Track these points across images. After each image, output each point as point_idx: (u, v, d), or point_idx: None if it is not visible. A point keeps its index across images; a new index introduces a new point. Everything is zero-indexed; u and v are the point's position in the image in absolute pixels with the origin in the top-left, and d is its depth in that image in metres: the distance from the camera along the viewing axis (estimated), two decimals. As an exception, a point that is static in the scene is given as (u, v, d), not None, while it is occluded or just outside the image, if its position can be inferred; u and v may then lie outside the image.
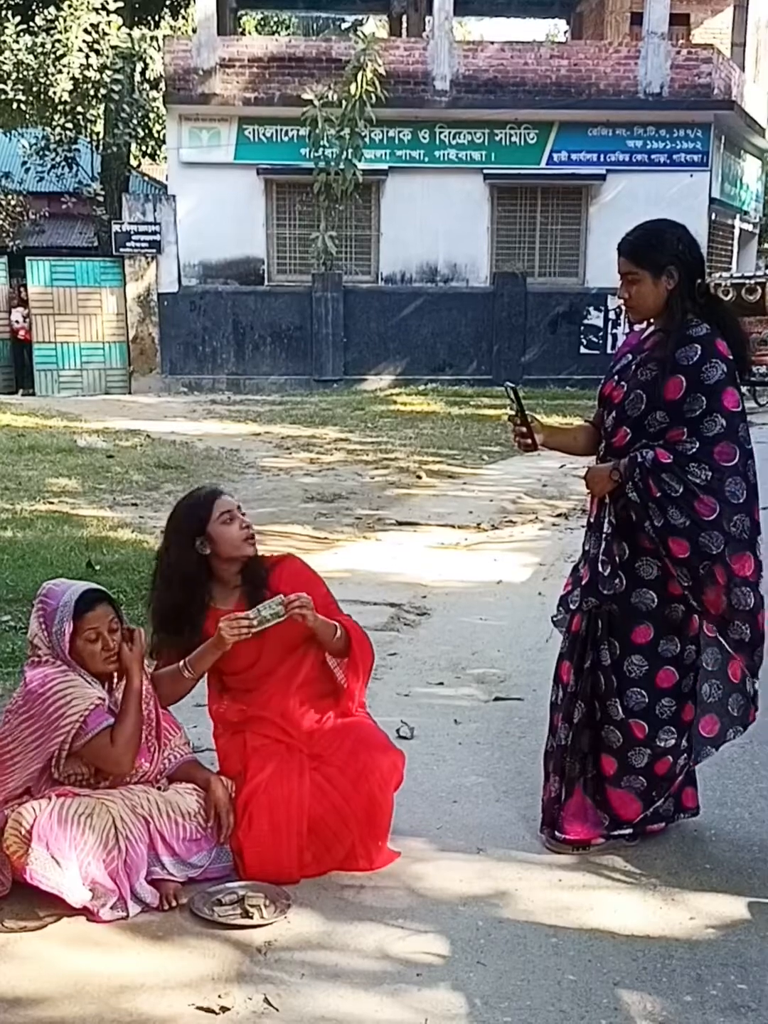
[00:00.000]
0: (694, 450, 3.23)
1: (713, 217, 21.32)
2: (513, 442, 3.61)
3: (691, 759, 3.53)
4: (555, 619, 3.70)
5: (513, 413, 3.49)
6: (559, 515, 9.19)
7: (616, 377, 3.48)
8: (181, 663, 3.43)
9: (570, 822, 3.51)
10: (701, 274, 3.40)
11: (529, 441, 3.49)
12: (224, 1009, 2.69)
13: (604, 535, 3.39)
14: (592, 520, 3.52)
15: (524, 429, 3.48)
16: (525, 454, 3.67)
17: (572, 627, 3.54)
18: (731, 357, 3.28)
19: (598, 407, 3.56)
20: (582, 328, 21.07)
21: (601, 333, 20.88)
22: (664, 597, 3.36)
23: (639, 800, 3.50)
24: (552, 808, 3.55)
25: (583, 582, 3.49)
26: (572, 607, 3.55)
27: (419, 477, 11.17)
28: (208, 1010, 2.68)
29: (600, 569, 3.38)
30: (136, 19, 22.53)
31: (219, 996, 2.74)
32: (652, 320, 3.44)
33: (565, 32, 30.78)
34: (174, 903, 3.14)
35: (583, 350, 20.93)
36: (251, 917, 3.06)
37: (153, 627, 3.56)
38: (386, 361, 21.01)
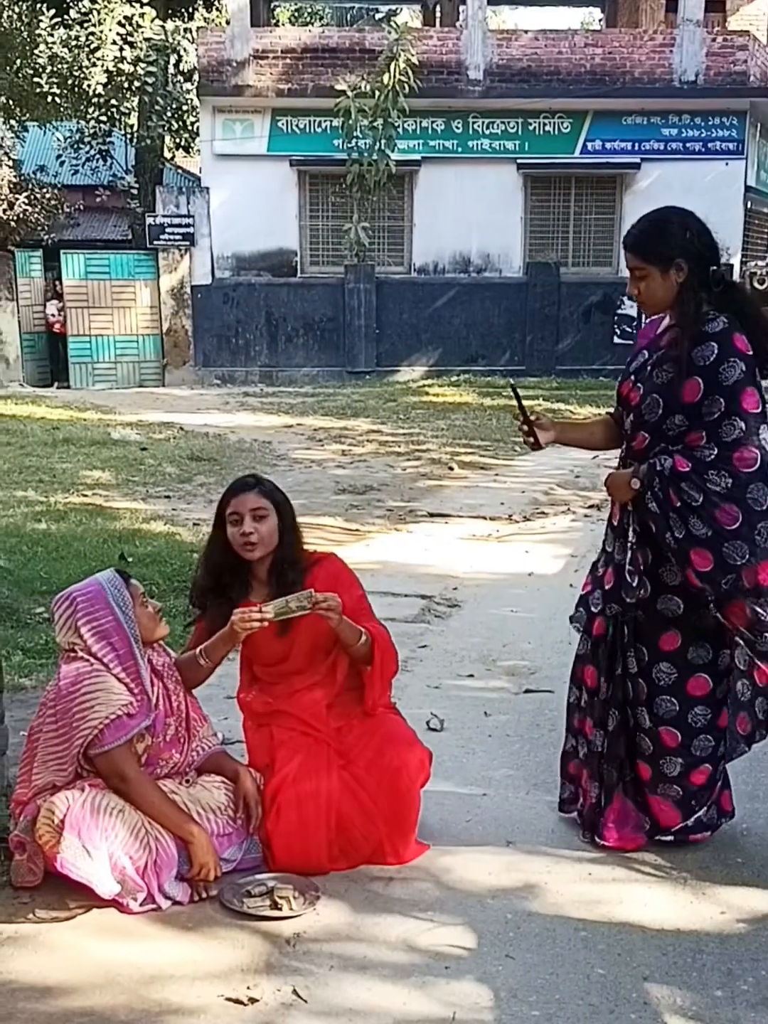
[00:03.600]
0: (713, 457, 3.14)
1: (749, 205, 21.09)
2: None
3: (725, 758, 3.46)
4: (573, 617, 3.62)
5: (517, 411, 3.48)
6: (591, 506, 9.13)
7: (633, 377, 3.39)
8: (197, 651, 3.45)
9: (610, 829, 3.46)
10: (714, 261, 3.26)
11: (531, 439, 3.47)
12: (253, 1000, 2.70)
13: (629, 543, 3.31)
14: (615, 523, 3.45)
15: (525, 428, 3.46)
16: (533, 452, 3.63)
17: (594, 630, 3.48)
18: (750, 353, 3.17)
19: (617, 405, 3.50)
20: (616, 318, 20.88)
21: (634, 323, 20.64)
22: (691, 603, 3.27)
23: (677, 809, 3.44)
24: (593, 814, 3.51)
25: (606, 586, 3.42)
26: (594, 610, 3.48)
27: (451, 468, 11.14)
28: (237, 1001, 2.70)
29: (627, 578, 3.31)
30: (169, 11, 22.56)
31: (248, 987, 2.75)
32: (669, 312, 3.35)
33: (599, 20, 30.48)
34: (205, 895, 3.16)
35: (616, 340, 20.72)
36: (280, 909, 3.07)
37: (192, 601, 3.66)
38: (418, 352, 20.94)
